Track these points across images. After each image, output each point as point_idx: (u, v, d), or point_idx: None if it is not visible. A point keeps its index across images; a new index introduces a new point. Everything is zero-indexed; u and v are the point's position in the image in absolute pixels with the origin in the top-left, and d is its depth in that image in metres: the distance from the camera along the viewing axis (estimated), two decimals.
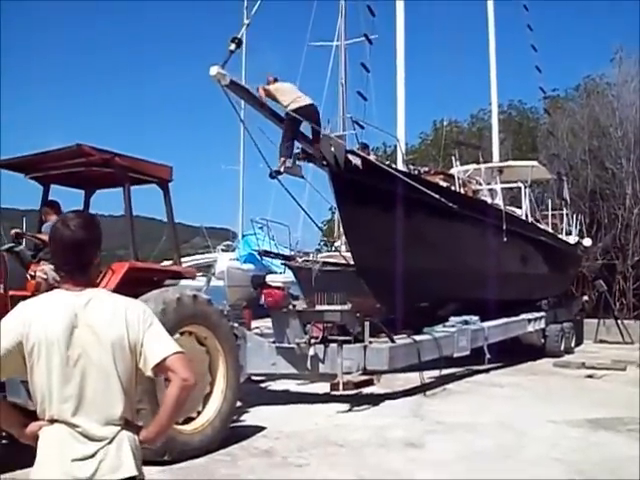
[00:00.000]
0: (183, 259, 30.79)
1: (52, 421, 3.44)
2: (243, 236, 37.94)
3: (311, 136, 14.86)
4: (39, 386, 3.45)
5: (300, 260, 24.09)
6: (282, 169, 14.66)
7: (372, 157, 16.98)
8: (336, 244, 24.15)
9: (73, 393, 3.42)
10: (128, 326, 3.51)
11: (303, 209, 18.59)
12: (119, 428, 3.47)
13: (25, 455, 3.52)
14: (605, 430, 11.49)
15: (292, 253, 25.77)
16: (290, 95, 14.53)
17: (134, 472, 3.48)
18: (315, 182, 18.09)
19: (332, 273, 20.71)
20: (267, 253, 26.94)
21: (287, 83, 15.05)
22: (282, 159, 14.56)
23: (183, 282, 11.51)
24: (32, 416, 3.53)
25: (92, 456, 3.39)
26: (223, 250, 39.48)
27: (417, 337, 15.22)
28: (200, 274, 26.24)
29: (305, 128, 14.83)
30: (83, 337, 3.44)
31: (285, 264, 25.31)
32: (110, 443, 3.43)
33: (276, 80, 14.97)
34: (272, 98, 14.50)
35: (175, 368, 3.48)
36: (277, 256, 26.51)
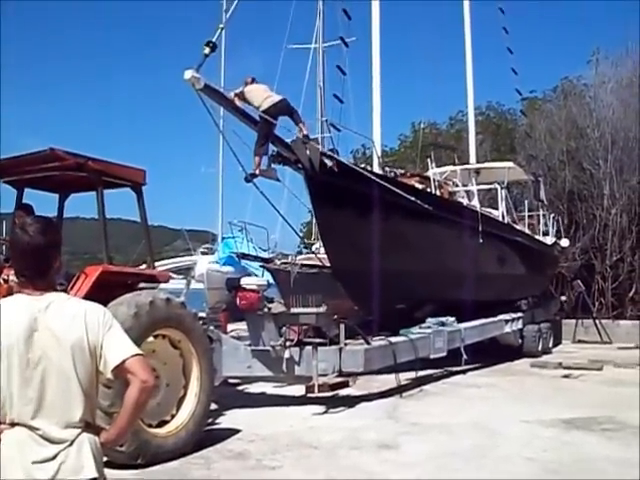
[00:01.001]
0: (164, 262, 30.94)
1: (13, 424, 3.48)
2: (223, 239, 37.89)
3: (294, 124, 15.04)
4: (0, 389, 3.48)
5: (278, 262, 24.11)
6: (257, 171, 14.70)
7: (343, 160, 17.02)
8: (314, 247, 24.12)
9: (33, 396, 3.46)
10: (87, 329, 3.54)
11: (280, 214, 18.57)
12: (79, 430, 3.51)
13: None
14: (578, 430, 11.57)
15: (270, 255, 25.79)
16: (261, 96, 14.60)
17: (94, 474, 3.52)
18: (293, 184, 18.13)
19: (310, 275, 20.73)
20: (245, 256, 26.96)
21: (260, 85, 15.10)
22: (256, 159, 14.61)
23: (163, 285, 11.51)
24: None
25: (52, 458, 3.44)
26: (203, 253, 39.40)
27: (393, 339, 15.25)
28: (181, 277, 26.26)
29: (281, 132, 14.93)
30: (43, 340, 3.48)
31: (263, 267, 25.32)
32: (70, 445, 3.47)
33: (254, 80, 15.05)
34: (247, 102, 14.56)
35: (134, 370, 3.53)
36: (255, 259, 26.53)
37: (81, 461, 3.48)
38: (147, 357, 3.70)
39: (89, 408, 3.58)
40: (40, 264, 3.61)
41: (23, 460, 3.42)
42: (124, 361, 3.53)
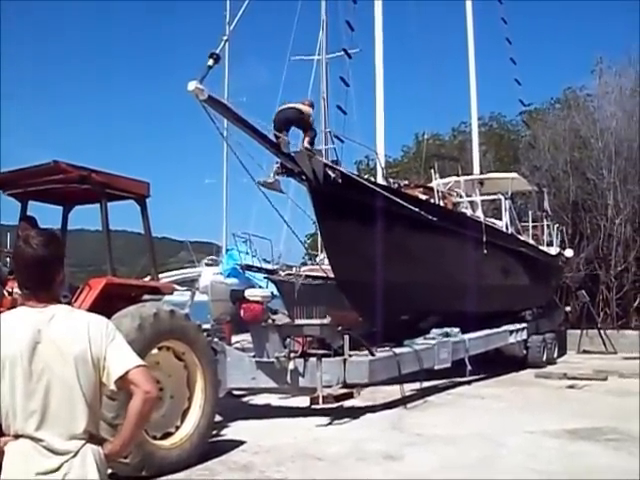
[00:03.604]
0: (168, 273, 30.94)
1: (17, 436, 3.48)
2: (227, 250, 37.83)
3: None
4: (4, 402, 3.49)
5: (283, 274, 24.10)
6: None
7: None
8: (318, 258, 24.12)
9: (37, 408, 3.46)
10: (91, 341, 3.55)
11: (286, 222, 18.65)
12: (83, 442, 3.51)
13: None
14: (583, 440, 11.53)
15: (275, 267, 25.77)
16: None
17: None
18: (296, 196, 18.16)
19: (315, 286, 20.73)
20: (249, 267, 26.95)
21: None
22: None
23: (167, 297, 11.52)
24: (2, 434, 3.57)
25: (56, 470, 3.44)
26: (207, 264, 39.34)
27: (397, 350, 15.21)
28: (185, 288, 26.21)
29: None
30: (46, 352, 3.49)
31: (268, 278, 25.31)
32: (74, 457, 3.47)
33: (312, 104, 16.31)
34: None
35: (137, 381, 3.53)
36: (260, 270, 26.52)
37: (85, 472, 3.48)
38: (150, 368, 3.70)
39: (92, 420, 3.58)
40: (43, 276, 3.63)
41: (27, 472, 3.42)
42: (127, 372, 3.54)
